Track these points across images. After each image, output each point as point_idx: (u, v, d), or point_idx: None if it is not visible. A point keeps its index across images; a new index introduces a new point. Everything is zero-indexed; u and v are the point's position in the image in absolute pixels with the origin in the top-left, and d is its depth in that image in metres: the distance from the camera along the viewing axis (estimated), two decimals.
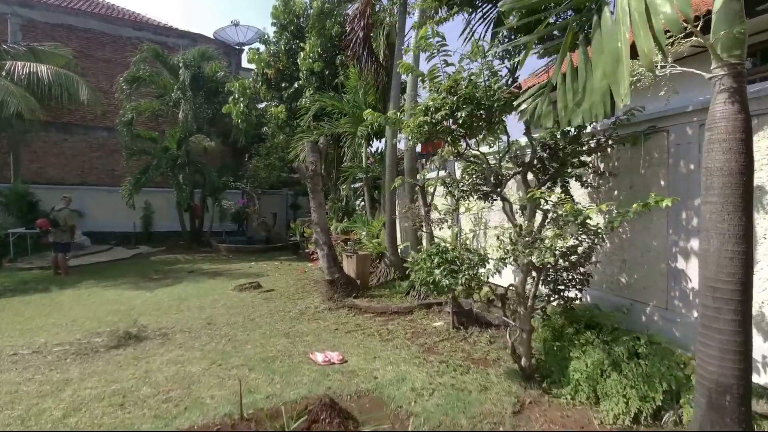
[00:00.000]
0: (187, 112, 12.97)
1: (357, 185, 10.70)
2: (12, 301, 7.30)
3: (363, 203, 11.07)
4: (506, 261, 2.91)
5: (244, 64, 18.99)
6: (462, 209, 5.29)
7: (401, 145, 8.03)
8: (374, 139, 10.18)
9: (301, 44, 10.03)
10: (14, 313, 6.52)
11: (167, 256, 12.65)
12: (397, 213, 7.87)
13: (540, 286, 3.30)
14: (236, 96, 10.41)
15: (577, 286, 3.20)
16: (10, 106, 10.04)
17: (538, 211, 3.35)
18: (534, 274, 3.08)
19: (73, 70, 12.89)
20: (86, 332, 5.40)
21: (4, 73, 11.01)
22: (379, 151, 10.18)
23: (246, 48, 19.96)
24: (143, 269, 10.55)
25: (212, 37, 18.46)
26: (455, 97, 3.16)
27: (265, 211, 15.44)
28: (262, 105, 13.48)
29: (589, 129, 3.70)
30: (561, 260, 2.70)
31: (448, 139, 3.65)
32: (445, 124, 3.36)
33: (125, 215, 14.64)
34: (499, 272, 3.02)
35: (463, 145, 3.82)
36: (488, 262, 3.36)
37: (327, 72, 9.95)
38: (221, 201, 14.85)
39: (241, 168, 15.95)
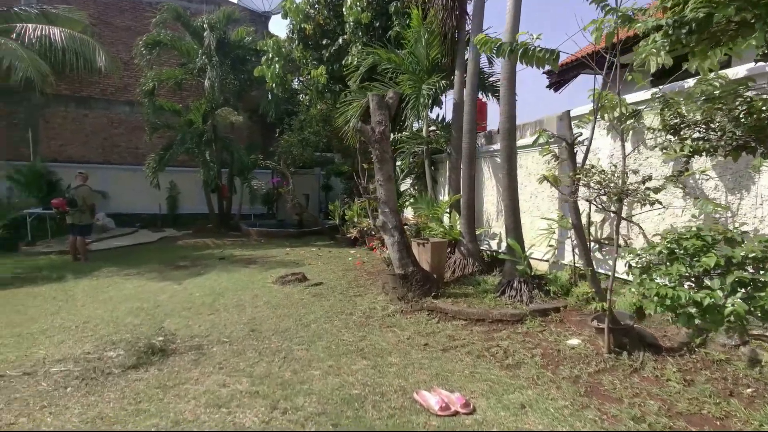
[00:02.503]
0: (213, 80, 11.60)
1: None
2: (18, 293, 6.18)
3: (414, 181, 9.58)
4: None
5: (274, 31, 17.49)
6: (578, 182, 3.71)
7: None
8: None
9: None
10: (16, 309, 5.36)
11: (195, 241, 11.51)
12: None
13: None
14: (270, 56, 8.94)
15: None
16: (19, 71, 8.86)
17: None
18: None
19: (89, 36, 11.67)
20: (99, 341, 4.14)
21: (14, 36, 9.83)
22: (439, 118, 8.59)
23: (272, 17, 18.53)
24: (169, 255, 9.40)
25: (236, 2, 16.98)
26: None
27: (296, 192, 14.13)
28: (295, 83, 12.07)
29: None
30: None
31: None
32: None
33: (150, 196, 13.61)
34: None
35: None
36: None
37: (377, 24, 8.35)
38: (250, 181, 13.60)
39: (271, 145, 14.62)
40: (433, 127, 8.34)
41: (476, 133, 6.41)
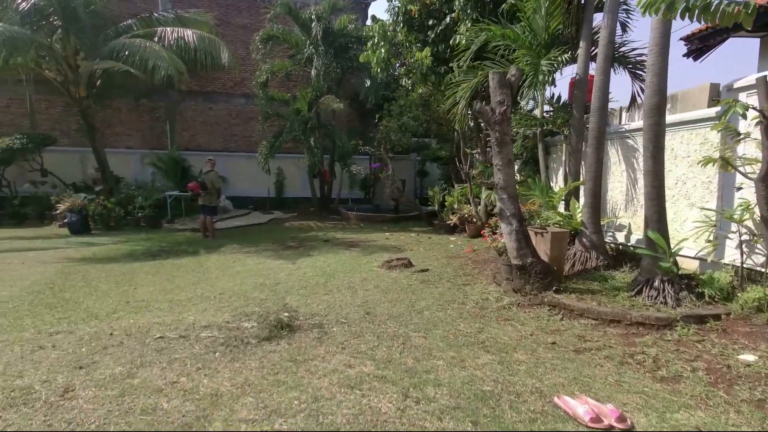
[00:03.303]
0: (319, 68, 12.13)
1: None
2: (165, 264, 7.13)
3: (521, 166, 8.97)
4: None
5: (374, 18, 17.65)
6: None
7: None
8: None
9: None
10: (166, 278, 6.17)
11: (300, 223, 12.29)
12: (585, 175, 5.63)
13: None
14: (375, 41, 8.96)
15: None
16: (161, 70, 10.12)
17: None
18: None
19: (215, 36, 12.90)
20: (234, 312, 4.56)
21: (156, 39, 11.25)
22: (554, 98, 7.84)
23: (371, 3, 18.72)
24: (280, 235, 10.14)
25: None
26: None
27: (395, 177, 14.24)
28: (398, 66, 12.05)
29: None
30: None
31: None
32: None
33: (260, 181, 14.85)
34: None
35: None
36: None
37: None
38: (350, 166, 14.05)
39: (368, 131, 14.91)
40: (547, 107, 7.65)
41: (606, 108, 5.68)
